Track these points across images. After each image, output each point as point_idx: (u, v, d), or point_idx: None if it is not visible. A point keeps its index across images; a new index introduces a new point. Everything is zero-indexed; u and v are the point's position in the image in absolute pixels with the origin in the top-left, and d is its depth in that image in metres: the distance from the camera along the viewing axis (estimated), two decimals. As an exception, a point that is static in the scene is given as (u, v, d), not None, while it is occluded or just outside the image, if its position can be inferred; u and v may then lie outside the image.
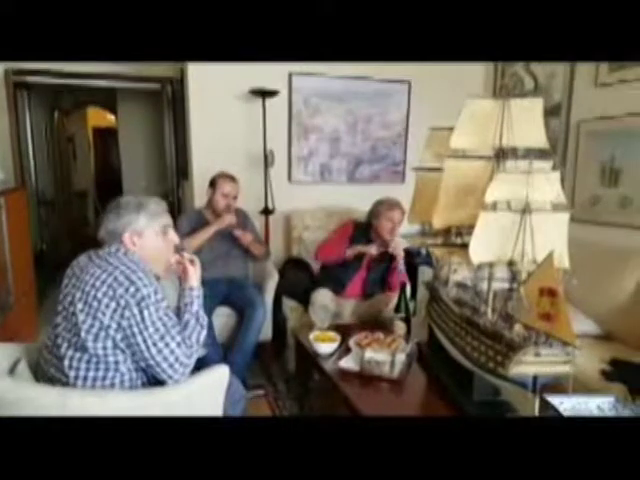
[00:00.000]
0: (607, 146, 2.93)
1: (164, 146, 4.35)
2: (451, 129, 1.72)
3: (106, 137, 9.21)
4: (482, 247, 1.60)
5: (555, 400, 1.49)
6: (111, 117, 7.42)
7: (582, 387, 1.73)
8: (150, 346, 1.33)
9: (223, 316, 2.78)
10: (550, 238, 1.54)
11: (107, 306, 1.30)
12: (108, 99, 6.12)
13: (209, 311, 2.63)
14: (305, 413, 2.42)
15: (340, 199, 3.70)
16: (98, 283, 1.32)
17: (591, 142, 3.05)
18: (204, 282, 1.78)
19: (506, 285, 1.70)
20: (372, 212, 2.87)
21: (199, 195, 3.43)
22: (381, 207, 2.82)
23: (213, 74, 3.31)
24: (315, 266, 3.09)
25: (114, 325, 1.31)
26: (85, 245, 1.58)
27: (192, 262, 1.62)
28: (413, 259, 3.36)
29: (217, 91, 3.39)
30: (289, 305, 2.98)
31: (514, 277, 1.65)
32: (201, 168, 3.45)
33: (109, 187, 8.96)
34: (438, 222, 1.83)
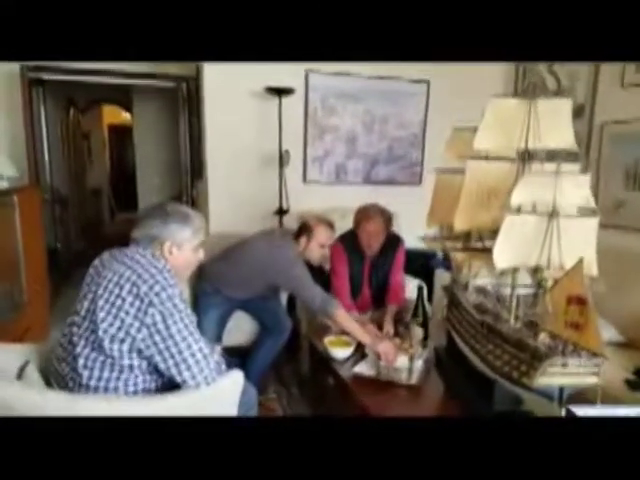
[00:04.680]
0: (632, 149, 2.85)
1: (179, 144, 4.34)
2: (474, 129, 1.67)
3: (121, 135, 9.26)
4: (507, 252, 1.55)
5: (580, 411, 1.43)
6: (126, 115, 7.45)
7: (605, 396, 1.68)
8: (179, 341, 1.29)
9: (240, 319, 2.70)
10: (578, 244, 1.48)
11: (131, 304, 1.28)
12: (123, 97, 6.16)
13: (227, 314, 2.58)
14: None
15: (355, 200, 3.62)
16: (122, 281, 1.30)
17: (615, 145, 2.97)
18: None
19: (529, 291, 1.65)
20: (354, 220, 2.72)
21: (213, 195, 3.42)
22: (359, 216, 2.67)
23: (229, 72, 3.28)
24: (328, 267, 3.02)
25: (137, 324, 1.28)
26: (99, 243, 1.56)
27: None
28: (429, 262, 3.31)
29: (233, 89, 3.36)
30: (303, 307, 2.94)
31: (539, 283, 1.59)
32: (215, 167, 3.43)
33: (123, 185, 9.04)
34: (459, 224, 1.78)
